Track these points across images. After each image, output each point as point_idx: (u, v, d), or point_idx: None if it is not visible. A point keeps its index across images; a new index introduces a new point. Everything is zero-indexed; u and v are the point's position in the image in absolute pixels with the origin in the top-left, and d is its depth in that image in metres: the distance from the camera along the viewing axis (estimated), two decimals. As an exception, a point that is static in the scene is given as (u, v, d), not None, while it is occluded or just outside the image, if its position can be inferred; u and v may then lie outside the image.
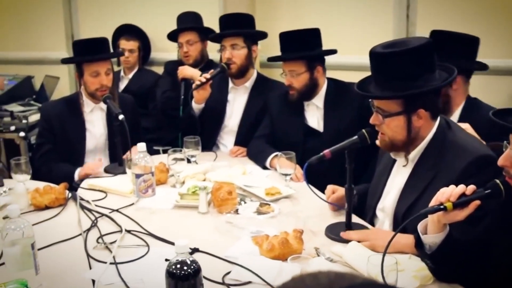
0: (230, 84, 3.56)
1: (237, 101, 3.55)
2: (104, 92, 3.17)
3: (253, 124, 3.45)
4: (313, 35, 3.13)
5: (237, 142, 3.49)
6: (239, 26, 3.48)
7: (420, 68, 2.04)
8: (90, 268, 2.00)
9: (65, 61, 3.50)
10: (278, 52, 3.21)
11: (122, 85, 4.50)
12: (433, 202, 1.75)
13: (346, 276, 0.74)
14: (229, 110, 3.55)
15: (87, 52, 3.22)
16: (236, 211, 2.43)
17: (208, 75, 3.37)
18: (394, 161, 2.28)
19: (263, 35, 3.60)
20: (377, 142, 2.18)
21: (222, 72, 3.42)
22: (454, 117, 2.74)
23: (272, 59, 3.24)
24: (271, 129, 3.29)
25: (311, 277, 0.75)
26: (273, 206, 2.47)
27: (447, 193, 1.71)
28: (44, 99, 4.66)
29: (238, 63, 3.42)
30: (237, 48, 3.42)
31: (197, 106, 3.46)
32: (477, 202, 1.69)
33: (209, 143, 3.48)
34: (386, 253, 1.72)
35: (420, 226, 1.83)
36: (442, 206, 1.70)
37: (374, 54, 2.11)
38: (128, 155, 2.93)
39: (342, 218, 2.30)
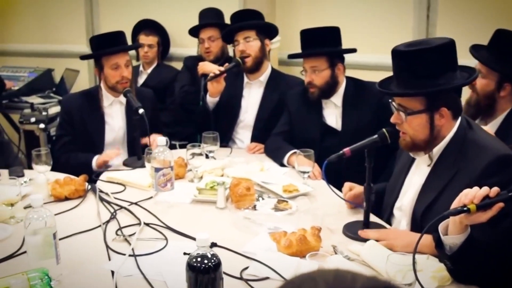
0: (245, 79, 3.58)
1: (252, 96, 3.57)
2: (125, 84, 3.20)
3: (268, 119, 3.47)
4: (334, 33, 3.13)
5: (253, 137, 3.51)
6: (249, 20, 3.52)
7: (442, 66, 2.04)
8: (109, 259, 2.02)
9: (84, 57, 3.51)
10: (297, 50, 3.21)
11: (141, 80, 4.53)
12: (456, 204, 1.74)
13: (346, 278, 0.73)
14: (244, 105, 3.57)
15: (105, 45, 3.24)
16: (254, 207, 2.45)
17: (222, 68, 3.40)
18: (413, 160, 2.27)
19: (274, 28, 3.63)
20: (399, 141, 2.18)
21: (237, 66, 3.45)
22: (496, 122, 2.71)
23: (293, 56, 3.24)
24: (289, 127, 3.30)
25: (310, 281, 0.74)
26: (290, 203, 2.47)
27: (471, 195, 1.70)
28: (64, 92, 4.71)
29: (253, 55, 3.45)
30: (250, 40, 3.45)
31: (211, 99, 3.48)
32: (501, 204, 1.69)
33: (225, 138, 3.50)
34: (404, 253, 1.73)
35: (441, 227, 1.82)
36: (465, 208, 1.69)
37: (396, 53, 2.11)
38: (147, 141, 2.95)
39: (359, 217, 2.30)
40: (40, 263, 1.81)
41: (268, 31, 3.59)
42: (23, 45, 5.43)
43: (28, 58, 5.36)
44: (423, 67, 2.03)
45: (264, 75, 3.55)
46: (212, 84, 3.41)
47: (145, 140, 3.03)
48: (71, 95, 3.69)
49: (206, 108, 3.48)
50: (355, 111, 3.13)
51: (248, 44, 3.44)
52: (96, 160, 3.11)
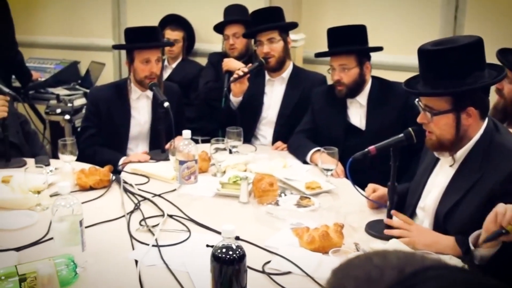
0: (267, 77, 3.59)
1: (274, 93, 3.58)
2: (152, 79, 3.22)
3: (290, 115, 3.48)
4: (361, 31, 3.13)
5: (276, 133, 3.52)
6: (271, 19, 3.50)
7: (469, 65, 2.02)
8: (133, 249, 2.05)
9: (116, 47, 3.56)
10: (322, 48, 3.21)
11: (166, 75, 4.55)
12: (491, 222, 1.74)
13: (417, 257, 0.73)
14: (266, 102, 3.58)
15: (139, 39, 3.27)
16: (277, 203, 2.46)
17: (245, 69, 3.40)
18: (437, 160, 2.26)
19: (295, 26, 3.63)
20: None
21: (260, 66, 3.45)
22: None
23: (321, 55, 3.23)
24: (312, 125, 3.29)
25: (379, 256, 0.74)
26: (313, 200, 2.48)
27: (508, 217, 1.70)
28: (89, 84, 4.76)
29: (277, 56, 3.46)
30: (275, 41, 3.45)
31: (235, 99, 3.49)
32: None
33: (248, 135, 3.50)
34: (429, 252, 1.73)
35: (471, 238, 1.82)
36: (503, 231, 1.70)
37: (423, 52, 2.10)
38: (172, 144, 2.96)
39: (382, 216, 2.29)
40: (66, 249, 1.84)
41: (288, 28, 3.60)
42: (50, 37, 5.50)
43: (55, 50, 5.42)
44: (450, 66, 2.02)
45: (286, 72, 3.56)
46: (235, 85, 3.42)
47: (170, 143, 3.03)
48: (99, 87, 3.73)
49: (230, 107, 3.49)
50: (380, 110, 3.11)
51: (272, 45, 3.45)
52: (122, 161, 3.13)
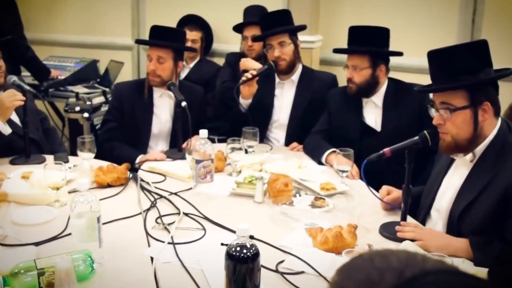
0: (277, 80, 3.60)
1: (285, 95, 3.58)
2: (153, 78, 3.30)
3: (302, 117, 3.49)
4: (382, 33, 3.12)
5: (288, 136, 3.53)
6: (281, 23, 3.50)
7: (479, 62, 2.08)
8: (149, 246, 2.08)
9: (138, 41, 3.77)
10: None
11: (183, 74, 4.59)
12: None
13: (418, 258, 0.75)
14: (277, 105, 3.59)
15: (152, 36, 3.37)
16: (291, 203, 2.47)
17: (254, 72, 3.40)
18: (451, 161, 2.27)
19: (304, 28, 3.63)
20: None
21: (270, 70, 3.46)
22: None
23: (337, 51, 3.25)
24: (328, 126, 3.31)
25: (380, 257, 0.75)
26: (327, 200, 2.49)
27: None
28: (108, 83, 4.81)
29: (288, 60, 3.47)
30: (285, 45, 3.45)
31: (244, 101, 3.49)
32: None
33: (261, 138, 3.50)
34: (442, 255, 1.74)
35: None
36: None
37: (433, 53, 2.15)
38: (188, 143, 2.99)
39: (396, 218, 2.30)
40: (84, 245, 1.88)
41: (299, 30, 3.60)
42: (70, 36, 5.57)
43: (75, 48, 5.49)
44: (461, 62, 2.06)
45: (295, 74, 3.56)
46: (244, 87, 3.42)
47: (187, 142, 3.06)
48: (123, 83, 3.78)
49: (239, 109, 3.50)
50: (395, 112, 3.12)
51: (283, 49, 3.45)
52: (139, 159, 3.16)
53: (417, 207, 2.43)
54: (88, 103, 4.41)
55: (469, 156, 2.15)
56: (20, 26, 4.61)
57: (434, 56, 2.14)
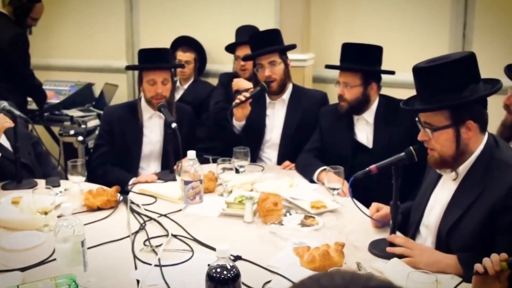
0: (268, 100, 3.59)
1: (276, 115, 3.58)
2: (159, 100, 3.27)
3: (294, 136, 3.48)
4: (375, 51, 3.13)
5: (281, 155, 3.52)
6: (270, 42, 3.50)
7: (464, 79, 2.03)
8: (136, 268, 2.07)
9: (129, 67, 3.68)
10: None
11: (178, 96, 4.60)
12: None
13: (362, 277, 0.75)
14: (269, 124, 3.58)
15: (147, 60, 3.35)
16: (281, 222, 2.46)
17: (247, 94, 3.39)
18: (439, 176, 2.26)
19: (294, 47, 3.63)
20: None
21: (262, 91, 3.46)
22: None
23: (329, 67, 3.27)
24: (320, 143, 3.30)
25: (327, 276, 0.77)
26: (317, 219, 2.48)
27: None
28: (103, 106, 4.82)
29: (278, 79, 3.46)
30: (276, 64, 3.45)
31: (238, 123, 3.49)
32: None
33: (253, 158, 3.49)
34: (428, 272, 1.73)
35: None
36: None
37: (417, 70, 2.11)
38: (179, 165, 2.99)
39: (385, 235, 2.28)
40: (69, 269, 1.87)
41: (289, 49, 3.61)
42: (66, 60, 5.61)
43: (70, 72, 5.53)
44: (445, 81, 2.03)
45: (286, 94, 3.56)
46: (237, 110, 3.41)
47: (178, 164, 3.05)
48: (112, 107, 3.79)
49: (233, 131, 3.49)
50: (387, 128, 3.11)
51: (274, 68, 3.44)
52: (132, 182, 3.16)
53: (407, 223, 2.42)
54: (82, 126, 4.43)
55: (453, 174, 2.14)
56: (28, 62, 4.63)
57: (418, 73, 2.12)
